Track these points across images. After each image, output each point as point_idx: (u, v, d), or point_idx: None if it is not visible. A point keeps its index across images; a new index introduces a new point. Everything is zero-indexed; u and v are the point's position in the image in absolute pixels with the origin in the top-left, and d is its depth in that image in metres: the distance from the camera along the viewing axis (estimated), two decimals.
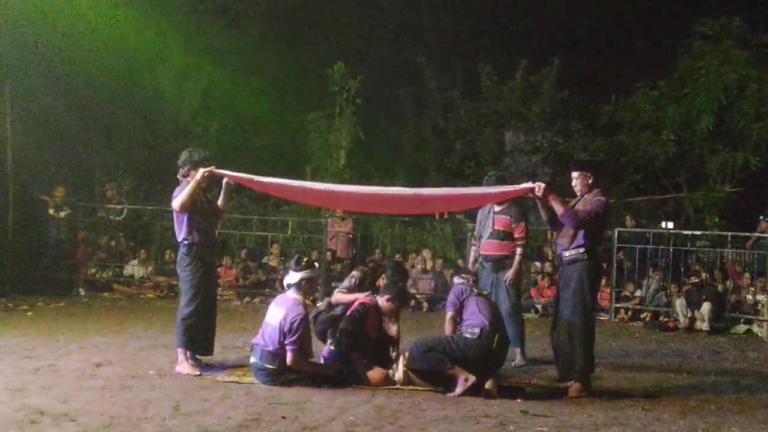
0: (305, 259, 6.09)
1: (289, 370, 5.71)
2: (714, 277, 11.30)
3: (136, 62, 15.82)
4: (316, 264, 6.43)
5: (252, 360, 5.89)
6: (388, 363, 6.16)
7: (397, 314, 6.62)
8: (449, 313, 6.17)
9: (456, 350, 5.71)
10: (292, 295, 5.93)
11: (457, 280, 6.46)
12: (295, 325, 5.69)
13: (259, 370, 5.79)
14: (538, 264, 12.64)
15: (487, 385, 5.62)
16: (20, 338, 7.27)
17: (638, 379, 6.69)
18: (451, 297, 6.22)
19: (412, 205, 7.31)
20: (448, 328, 6.15)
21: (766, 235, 10.98)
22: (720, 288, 10.94)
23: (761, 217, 11.83)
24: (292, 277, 5.95)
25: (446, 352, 5.72)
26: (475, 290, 6.19)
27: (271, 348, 5.75)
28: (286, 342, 5.69)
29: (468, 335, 5.79)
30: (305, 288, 5.96)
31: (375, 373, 5.83)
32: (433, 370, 5.74)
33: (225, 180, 6.28)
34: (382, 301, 6.26)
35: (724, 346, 9.04)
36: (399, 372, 5.88)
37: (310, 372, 5.79)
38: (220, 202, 6.42)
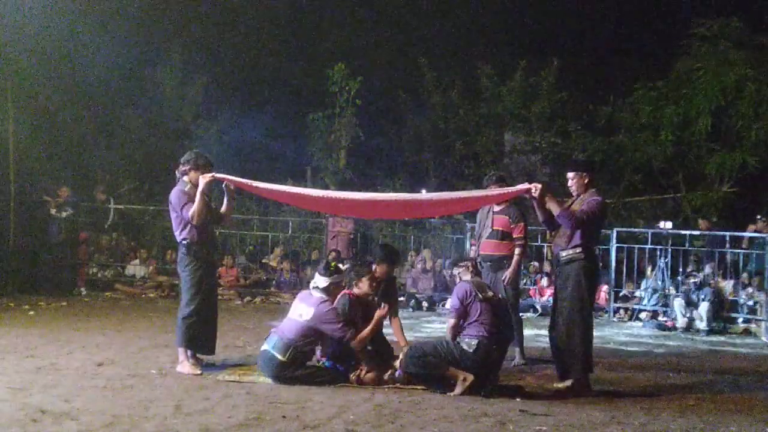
0: (333, 265, 6.19)
1: (298, 366, 5.77)
2: (712, 276, 11.32)
3: (138, 63, 15.89)
4: (341, 266, 6.48)
5: (264, 347, 5.93)
6: (387, 350, 6.27)
7: (390, 293, 6.60)
8: (452, 321, 5.89)
9: (450, 356, 5.71)
10: (317, 294, 6.01)
11: (456, 270, 6.23)
12: (330, 316, 5.82)
13: (269, 358, 5.82)
14: (536, 264, 12.68)
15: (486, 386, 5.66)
16: (22, 337, 7.30)
17: (637, 378, 6.72)
18: (454, 301, 5.93)
19: (412, 209, 7.35)
20: (450, 335, 5.92)
21: (764, 234, 11.01)
22: (718, 287, 10.96)
23: (758, 217, 11.89)
24: (320, 281, 6.02)
25: (441, 356, 5.72)
26: (480, 295, 5.87)
27: (286, 338, 5.82)
28: (335, 335, 5.81)
29: (464, 346, 5.68)
30: (333, 292, 6.05)
31: (368, 373, 5.86)
32: (430, 374, 5.77)
33: (225, 184, 6.30)
34: (358, 289, 6.22)
35: (723, 345, 9.07)
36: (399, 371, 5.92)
37: (365, 358, 5.90)
38: (224, 208, 6.44)
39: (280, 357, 5.77)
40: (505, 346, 6.02)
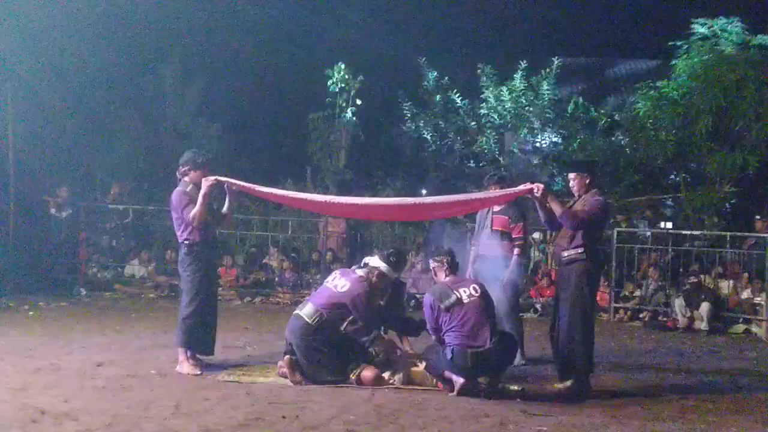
0: (400, 260, 6.29)
1: (322, 335, 5.86)
2: (713, 277, 11.32)
3: (138, 63, 15.88)
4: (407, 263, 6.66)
5: (296, 311, 6.07)
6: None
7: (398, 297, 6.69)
8: (432, 337, 5.90)
9: (443, 360, 5.70)
10: (360, 272, 6.12)
11: (432, 264, 6.04)
12: (361, 299, 5.92)
13: (297, 321, 5.94)
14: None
15: (481, 379, 5.64)
16: (21, 338, 7.30)
17: (637, 378, 6.72)
18: (426, 316, 5.84)
19: (413, 213, 7.36)
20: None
21: (764, 234, 11.00)
22: (718, 287, 10.96)
23: (757, 217, 11.87)
24: (375, 261, 6.15)
25: (439, 361, 5.74)
26: (442, 305, 5.65)
27: (317, 303, 5.95)
28: (358, 317, 5.89)
29: (447, 353, 5.64)
30: (375, 279, 6.09)
31: (368, 373, 5.86)
32: (438, 374, 5.80)
33: (227, 185, 6.31)
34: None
35: (723, 346, 9.07)
36: (398, 373, 5.92)
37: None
38: (225, 208, 6.49)
39: (306, 319, 5.88)
40: (486, 354, 5.58)
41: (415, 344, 6.77)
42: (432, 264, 6.08)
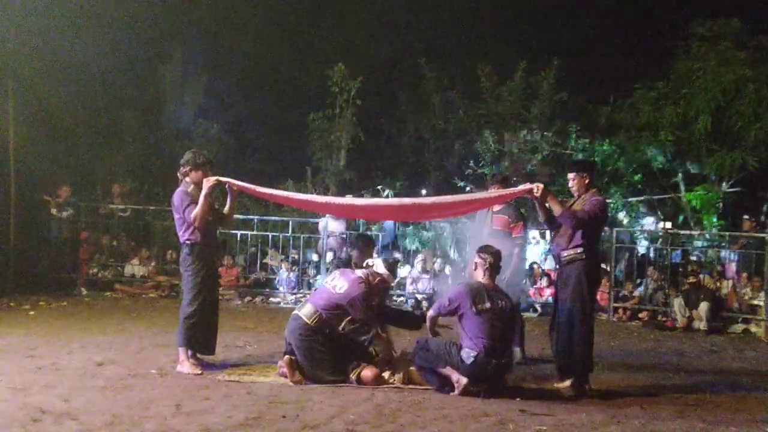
0: (399, 265, 6.28)
1: (321, 335, 5.88)
2: (712, 276, 11.34)
3: (138, 62, 15.89)
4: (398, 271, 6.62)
5: (294, 312, 6.08)
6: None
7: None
8: (432, 313, 5.84)
9: (449, 357, 5.68)
10: (359, 272, 6.12)
11: (476, 259, 5.95)
12: (359, 299, 5.92)
13: (295, 320, 5.96)
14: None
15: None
16: (22, 337, 7.30)
17: (637, 378, 6.73)
18: (444, 298, 5.84)
19: (413, 213, 7.37)
20: (428, 324, 5.88)
21: (762, 234, 11.02)
22: (717, 287, 10.97)
23: (746, 217, 11.91)
24: (379, 266, 6.15)
25: (441, 354, 5.71)
26: (475, 308, 5.63)
27: (315, 303, 5.97)
28: (356, 316, 5.92)
29: (464, 355, 5.62)
30: (374, 283, 6.10)
31: (368, 372, 5.86)
32: (429, 368, 5.78)
33: (228, 186, 6.32)
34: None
35: (722, 346, 9.08)
36: (398, 372, 5.93)
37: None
38: (226, 209, 6.51)
39: (305, 319, 5.89)
40: (504, 366, 5.71)
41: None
42: (476, 258, 5.97)
